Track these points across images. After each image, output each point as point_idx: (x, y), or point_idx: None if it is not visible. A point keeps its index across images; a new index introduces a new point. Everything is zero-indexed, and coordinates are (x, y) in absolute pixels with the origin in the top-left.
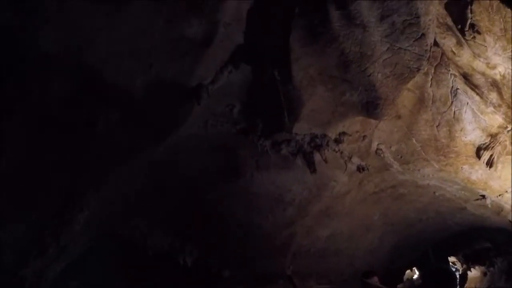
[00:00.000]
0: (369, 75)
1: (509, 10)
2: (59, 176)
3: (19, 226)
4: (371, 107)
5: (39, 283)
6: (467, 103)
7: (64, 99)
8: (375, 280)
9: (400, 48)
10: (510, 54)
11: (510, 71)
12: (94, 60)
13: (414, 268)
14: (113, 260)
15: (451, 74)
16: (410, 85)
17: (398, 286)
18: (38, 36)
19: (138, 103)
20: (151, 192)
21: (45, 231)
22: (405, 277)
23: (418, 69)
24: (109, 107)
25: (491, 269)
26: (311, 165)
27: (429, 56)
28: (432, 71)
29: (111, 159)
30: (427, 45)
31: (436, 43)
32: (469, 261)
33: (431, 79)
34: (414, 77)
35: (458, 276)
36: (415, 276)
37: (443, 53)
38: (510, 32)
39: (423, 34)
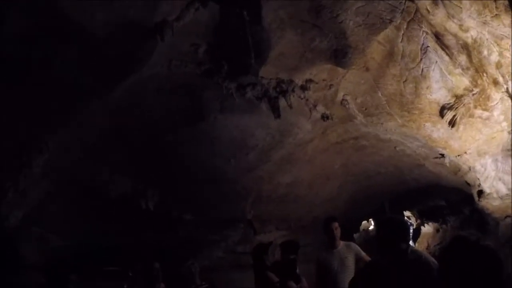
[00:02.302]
0: (341, 22)
1: None
2: (15, 117)
3: None
4: (340, 54)
5: (0, 230)
6: (436, 62)
7: (18, 36)
8: (335, 225)
9: None
10: (484, 19)
11: (482, 35)
12: None
13: (370, 219)
14: (76, 205)
15: (423, 31)
16: (380, 37)
17: (354, 235)
18: None
19: (98, 41)
20: (111, 136)
21: (3, 174)
22: (361, 227)
23: (391, 21)
24: (67, 45)
25: (444, 226)
26: (275, 110)
27: (403, 10)
28: (404, 26)
29: (69, 101)
30: None
31: None
32: (423, 217)
33: (403, 34)
34: (386, 28)
35: (411, 228)
36: (371, 227)
37: (417, 10)
38: None
39: None
